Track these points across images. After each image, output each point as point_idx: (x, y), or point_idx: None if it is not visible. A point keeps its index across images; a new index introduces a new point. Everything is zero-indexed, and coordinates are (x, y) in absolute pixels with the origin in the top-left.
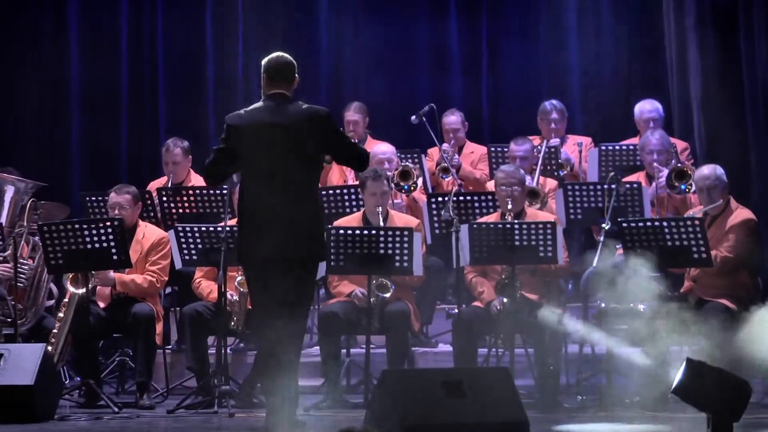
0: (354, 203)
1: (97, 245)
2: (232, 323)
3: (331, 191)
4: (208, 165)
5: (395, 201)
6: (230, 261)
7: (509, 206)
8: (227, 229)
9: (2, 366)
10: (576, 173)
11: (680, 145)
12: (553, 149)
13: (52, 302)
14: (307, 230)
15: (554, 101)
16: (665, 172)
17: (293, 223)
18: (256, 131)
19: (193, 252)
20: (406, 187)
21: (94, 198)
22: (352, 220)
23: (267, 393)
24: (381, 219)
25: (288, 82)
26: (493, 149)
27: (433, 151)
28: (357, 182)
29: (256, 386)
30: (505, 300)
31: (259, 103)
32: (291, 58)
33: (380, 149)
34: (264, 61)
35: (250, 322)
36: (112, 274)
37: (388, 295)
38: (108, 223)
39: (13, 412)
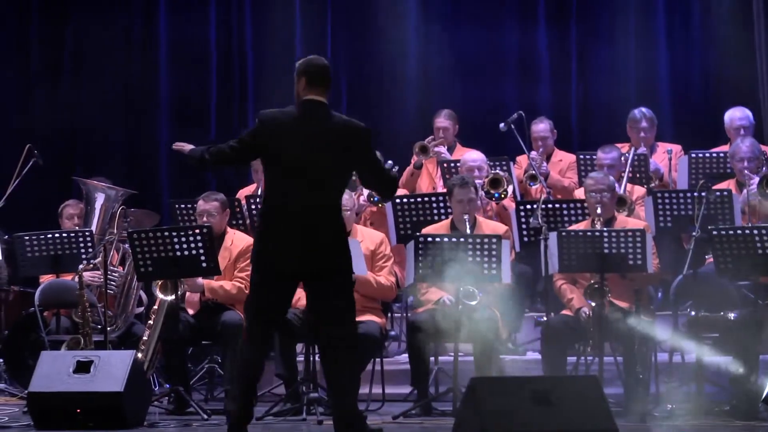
0: (442, 211)
1: (186, 252)
2: None
3: (419, 199)
4: (228, 150)
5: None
6: None
7: (598, 212)
8: None
9: (92, 372)
10: (666, 182)
11: None
12: (642, 157)
13: (141, 309)
14: (331, 243)
15: (644, 109)
16: (756, 179)
17: (318, 235)
18: (291, 134)
19: None
20: (496, 195)
21: (183, 205)
22: (440, 227)
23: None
24: (468, 226)
25: (327, 88)
26: (581, 157)
27: (522, 159)
28: (445, 190)
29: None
30: (593, 304)
31: (293, 107)
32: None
33: (470, 156)
34: (302, 63)
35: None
36: (200, 281)
37: (475, 302)
38: (197, 231)
39: (103, 419)
